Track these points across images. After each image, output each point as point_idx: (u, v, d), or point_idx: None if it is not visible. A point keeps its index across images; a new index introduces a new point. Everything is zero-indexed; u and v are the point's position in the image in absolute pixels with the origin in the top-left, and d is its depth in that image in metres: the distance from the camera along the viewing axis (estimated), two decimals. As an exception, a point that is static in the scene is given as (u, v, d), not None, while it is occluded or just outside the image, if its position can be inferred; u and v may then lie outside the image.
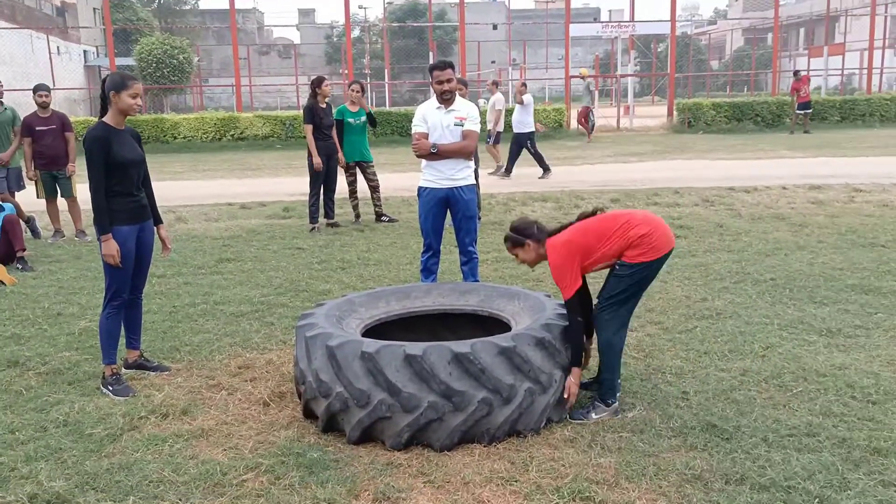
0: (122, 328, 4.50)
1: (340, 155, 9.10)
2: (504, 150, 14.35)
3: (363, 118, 9.28)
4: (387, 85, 38.87)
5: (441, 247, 5.70)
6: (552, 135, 22.64)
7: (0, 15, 31.76)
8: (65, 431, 3.72)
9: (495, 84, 14.79)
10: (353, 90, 9.29)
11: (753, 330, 5.01)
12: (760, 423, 3.64)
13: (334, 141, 9.03)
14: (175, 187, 13.39)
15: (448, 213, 5.59)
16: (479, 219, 5.76)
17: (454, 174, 5.44)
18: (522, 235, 3.97)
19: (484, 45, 46.55)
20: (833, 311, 5.37)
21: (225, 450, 3.53)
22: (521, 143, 13.86)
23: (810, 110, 22.50)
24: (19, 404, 4.08)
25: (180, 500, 3.09)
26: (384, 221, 9.50)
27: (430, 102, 5.55)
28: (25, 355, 4.78)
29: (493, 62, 52.61)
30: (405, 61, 49.91)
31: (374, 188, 9.54)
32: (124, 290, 4.37)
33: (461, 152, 5.42)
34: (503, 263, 7.05)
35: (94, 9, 45.15)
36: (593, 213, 3.91)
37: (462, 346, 3.46)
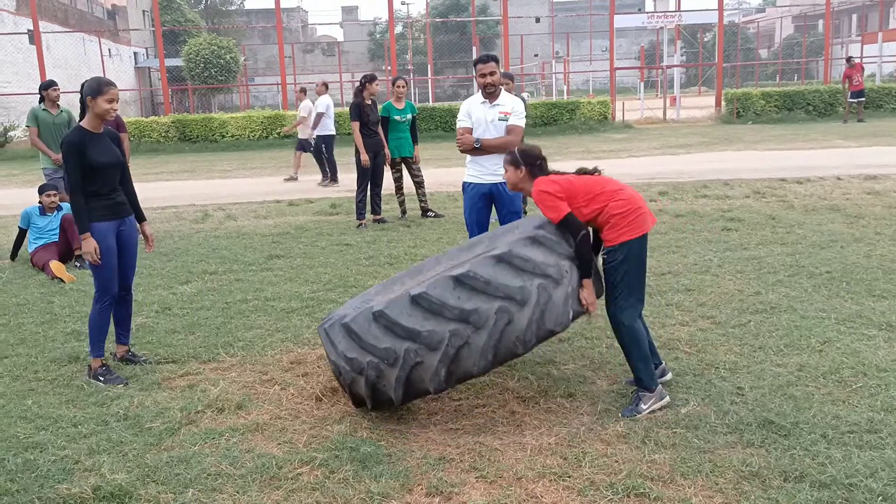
0: (115, 322, 4.74)
1: (387, 151, 9.14)
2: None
3: (409, 115, 9.31)
4: (430, 80, 38.90)
5: None
6: (597, 127, 22.42)
7: (53, 19, 32.61)
8: (125, 425, 3.81)
9: (303, 91, 14.22)
10: (398, 87, 9.32)
11: (810, 324, 4.90)
12: (819, 419, 3.57)
13: (381, 137, 9.08)
14: (224, 185, 13.61)
15: (493, 208, 5.57)
16: (525, 213, 5.72)
17: (497, 169, 5.37)
18: (523, 160, 3.98)
19: (527, 38, 46.30)
20: (893, 305, 5.22)
21: (280, 444, 3.59)
22: (316, 147, 13.39)
23: (863, 98, 21.87)
24: (81, 398, 4.20)
25: (238, 492, 3.15)
26: (430, 217, 9.53)
27: (475, 97, 5.53)
28: (85, 351, 4.91)
29: (535, 55, 52.33)
30: (448, 56, 49.92)
31: (419, 184, 9.57)
32: (112, 285, 4.56)
33: (505, 147, 5.34)
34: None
35: (144, 11, 46.10)
36: (591, 172, 3.93)
37: (460, 269, 3.54)
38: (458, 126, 5.49)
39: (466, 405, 3.94)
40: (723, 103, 24.39)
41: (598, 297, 3.83)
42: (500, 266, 3.53)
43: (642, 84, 29.08)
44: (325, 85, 13.99)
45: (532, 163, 3.97)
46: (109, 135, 4.58)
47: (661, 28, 28.99)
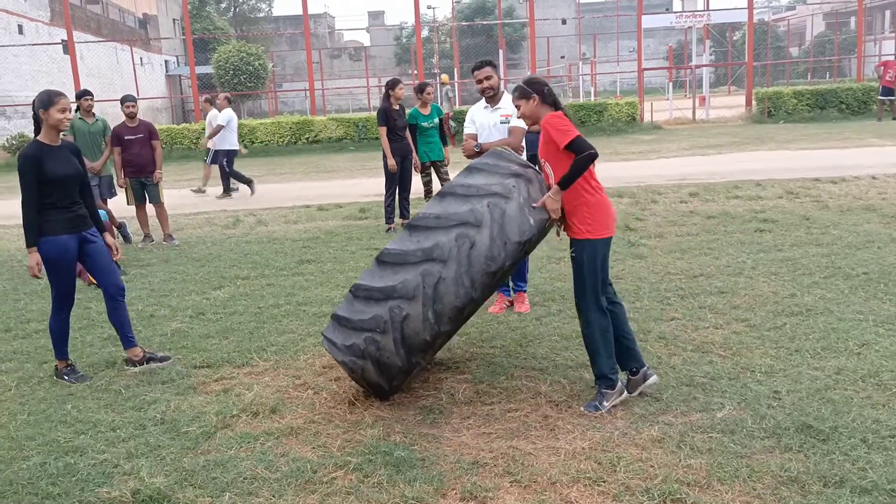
0: (116, 329, 4.90)
1: (415, 157, 9.16)
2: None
3: (435, 120, 9.33)
4: (456, 84, 38.95)
5: None
6: (625, 129, 22.28)
7: (87, 29, 33.17)
8: (162, 429, 3.86)
9: (209, 102, 13.67)
10: (427, 93, 9.34)
11: (847, 327, 4.83)
12: (859, 423, 3.51)
13: (408, 142, 9.11)
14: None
15: None
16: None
17: None
18: (532, 89, 3.97)
19: (553, 40, 46.15)
20: (933, 307, 5.13)
21: (314, 448, 3.61)
22: (216, 161, 13.02)
23: (894, 97, 21.48)
24: (119, 403, 4.26)
25: (274, 496, 3.18)
26: None
27: (480, 103, 5.64)
28: (122, 356, 4.98)
29: (562, 57, 52.13)
30: (474, 59, 49.80)
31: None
32: (70, 293, 4.69)
33: (506, 143, 5.40)
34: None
35: (174, 20, 46.74)
36: None
37: (411, 220, 3.83)
38: (464, 132, 5.62)
39: (499, 409, 3.93)
40: (753, 103, 24.09)
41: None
42: (446, 200, 3.78)
43: (671, 84, 28.83)
44: (228, 99, 13.41)
45: (540, 89, 3.96)
46: (69, 147, 4.68)
47: (690, 27, 28.71)
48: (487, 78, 5.40)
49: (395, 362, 3.79)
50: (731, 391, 3.97)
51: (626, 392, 3.93)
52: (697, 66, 28.49)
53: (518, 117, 4.18)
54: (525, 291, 5.74)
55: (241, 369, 4.71)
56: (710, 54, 33.85)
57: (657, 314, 5.33)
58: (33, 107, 4.52)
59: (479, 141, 5.48)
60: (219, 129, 12.74)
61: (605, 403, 3.83)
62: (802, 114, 22.89)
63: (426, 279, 3.65)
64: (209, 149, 13.14)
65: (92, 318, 5.97)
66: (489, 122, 5.49)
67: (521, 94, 3.99)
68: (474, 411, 3.94)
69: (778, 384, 4.02)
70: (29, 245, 4.47)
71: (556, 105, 3.95)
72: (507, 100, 5.49)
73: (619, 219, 8.80)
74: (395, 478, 3.27)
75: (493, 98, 5.48)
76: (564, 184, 3.77)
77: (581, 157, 3.71)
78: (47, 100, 4.46)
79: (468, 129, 5.59)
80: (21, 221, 4.51)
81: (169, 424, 3.91)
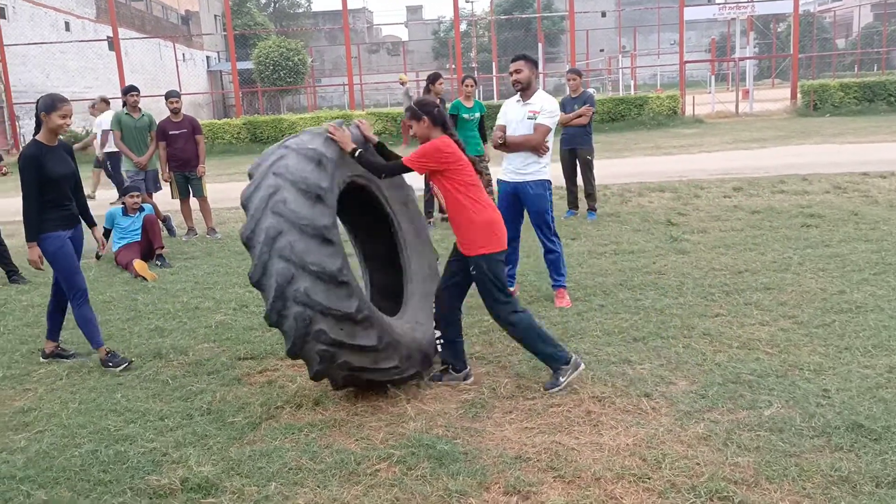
0: (77, 319, 4.92)
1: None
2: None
3: (477, 114, 9.31)
4: (494, 78, 38.82)
5: (518, 240, 5.86)
6: (666, 122, 22.01)
7: (131, 26, 33.77)
8: (209, 419, 3.93)
9: (106, 102, 12.40)
10: (467, 85, 9.32)
11: (899, 324, 4.71)
12: (912, 423, 3.43)
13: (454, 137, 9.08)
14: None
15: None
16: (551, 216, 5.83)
17: (521, 168, 5.56)
18: (422, 111, 4.11)
19: (592, 33, 45.72)
20: None
21: (357, 440, 3.64)
22: (99, 164, 12.31)
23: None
24: (166, 393, 4.34)
25: (319, 487, 3.21)
26: None
27: (514, 97, 5.66)
28: (168, 347, 5.07)
29: (601, 50, 51.67)
30: (512, 53, 49.62)
31: (488, 182, 9.55)
32: (81, 283, 4.83)
33: (524, 145, 5.51)
34: (622, 256, 6.92)
35: (216, 16, 47.32)
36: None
37: None
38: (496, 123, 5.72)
39: (541, 404, 3.92)
40: (798, 96, 23.62)
41: None
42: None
43: (713, 77, 28.38)
44: (106, 101, 12.45)
45: (430, 111, 4.09)
46: (64, 148, 4.81)
47: (733, 19, 28.22)
48: (517, 71, 5.38)
49: (323, 330, 3.79)
50: (778, 389, 3.90)
51: (581, 364, 4.12)
52: (741, 59, 28.00)
53: (412, 135, 4.33)
54: (564, 287, 5.71)
55: (284, 361, 4.75)
56: (754, 46, 33.23)
57: (701, 310, 5.26)
58: (37, 107, 4.67)
59: (508, 134, 5.53)
60: (106, 134, 11.13)
61: (561, 380, 4.04)
62: (849, 107, 22.38)
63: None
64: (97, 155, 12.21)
65: (139, 310, 6.08)
66: (517, 116, 5.50)
67: (412, 115, 4.13)
68: (516, 406, 3.93)
69: (827, 382, 3.94)
70: (30, 239, 4.66)
71: (444, 126, 4.10)
72: (538, 96, 5.50)
73: (660, 213, 8.74)
74: (438, 471, 3.28)
75: (524, 92, 5.46)
76: (360, 158, 4.04)
77: (383, 167, 4.15)
78: (51, 104, 4.60)
79: (499, 121, 5.64)
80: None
81: (215, 415, 3.97)
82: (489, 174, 9.53)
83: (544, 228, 5.65)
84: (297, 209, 3.68)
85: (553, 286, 5.75)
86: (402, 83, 23.23)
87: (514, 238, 5.64)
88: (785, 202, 9.12)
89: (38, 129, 4.67)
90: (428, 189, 9.13)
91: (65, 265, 4.73)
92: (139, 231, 7.85)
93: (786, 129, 19.30)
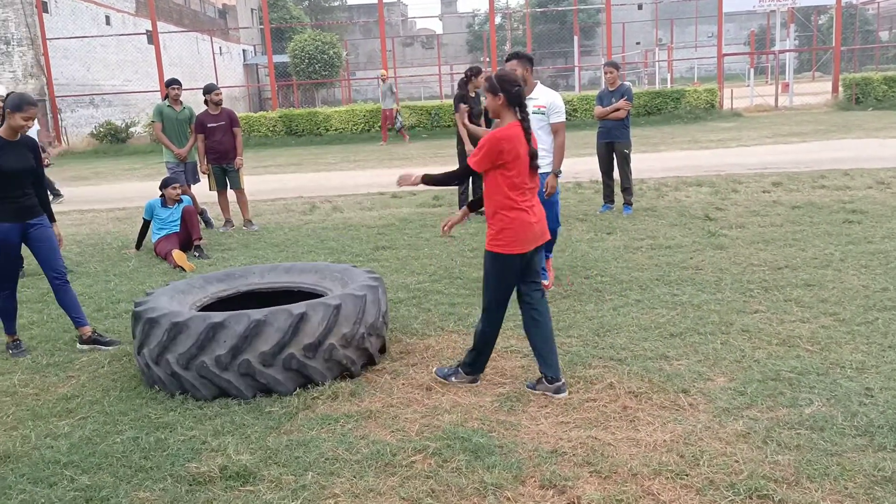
0: (65, 311, 5.25)
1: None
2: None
3: None
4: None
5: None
6: (704, 116, 21.72)
7: (169, 19, 34.20)
8: (246, 409, 3.97)
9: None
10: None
11: (945, 323, 4.60)
12: (959, 424, 3.35)
13: (484, 130, 9.07)
14: (330, 178, 13.96)
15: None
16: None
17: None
18: (500, 87, 3.92)
19: (629, 25, 45.26)
20: None
21: (392, 431, 3.65)
22: None
23: None
24: (205, 382, 4.39)
25: (355, 477, 3.23)
26: None
27: None
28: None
29: (637, 43, 51.11)
30: (547, 46, 49.42)
31: None
32: (11, 275, 5.03)
33: (561, 151, 5.75)
34: (659, 251, 6.85)
35: (252, 9, 47.72)
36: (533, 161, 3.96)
37: None
38: None
39: (577, 399, 3.90)
40: (840, 89, 23.17)
41: None
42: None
43: (752, 70, 27.94)
44: None
45: (508, 88, 3.90)
46: (27, 143, 4.93)
47: (773, 11, 27.72)
48: (512, 70, 5.50)
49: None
50: (819, 387, 3.84)
51: (474, 383, 4.17)
52: (781, 52, 27.51)
53: (486, 105, 4.16)
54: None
55: (320, 352, 4.78)
56: (794, 39, 32.61)
57: (740, 306, 5.19)
58: (4, 102, 4.85)
59: None
60: None
61: (452, 378, 4.18)
62: (893, 100, 21.89)
63: None
64: None
65: (177, 300, 6.17)
66: None
67: (490, 87, 3.97)
68: (551, 400, 3.92)
69: (870, 381, 3.86)
70: None
71: (519, 108, 3.91)
72: (539, 90, 5.67)
73: (698, 208, 8.63)
74: (473, 464, 3.28)
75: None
76: (426, 180, 4.07)
77: (449, 175, 4.10)
78: (18, 105, 4.74)
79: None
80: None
81: (253, 404, 4.02)
82: None
83: (556, 220, 5.83)
84: (139, 336, 4.34)
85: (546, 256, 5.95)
86: (384, 79, 22.82)
87: None
88: (826, 197, 8.95)
89: (1, 123, 4.86)
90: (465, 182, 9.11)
91: (2, 260, 4.94)
92: (178, 222, 7.96)
93: (826, 123, 18.93)
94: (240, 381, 4.04)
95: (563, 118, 5.68)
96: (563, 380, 4.01)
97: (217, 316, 4.05)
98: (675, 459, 3.23)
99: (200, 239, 7.93)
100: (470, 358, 4.17)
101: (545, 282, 5.95)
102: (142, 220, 8.31)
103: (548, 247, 5.93)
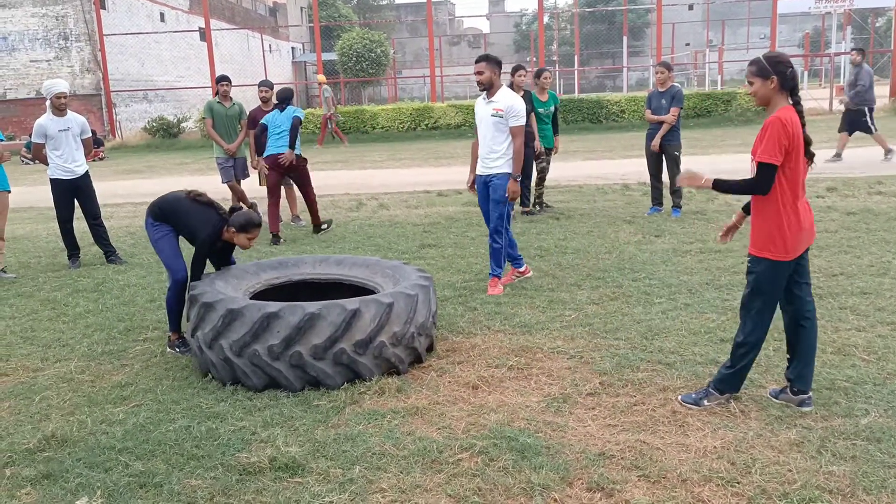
0: None
1: (537, 142, 9.06)
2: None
3: (552, 107, 9.25)
4: (576, 72, 38.37)
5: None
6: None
7: (222, 17, 34.76)
8: (294, 401, 4.02)
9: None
10: (544, 78, 9.26)
11: None
12: None
13: (529, 129, 8.96)
14: (376, 175, 14.05)
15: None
16: (512, 207, 6.14)
17: (490, 163, 5.90)
18: (774, 69, 3.47)
19: (679, 26, 44.65)
20: None
21: (439, 428, 3.66)
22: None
23: None
24: (254, 374, 4.46)
25: (401, 473, 3.25)
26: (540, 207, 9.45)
27: (482, 95, 5.96)
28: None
29: (687, 44, 50.37)
30: (595, 47, 49.01)
31: (542, 178, 9.47)
32: None
33: (519, 156, 5.84)
34: (708, 255, 6.75)
35: (301, 8, 48.24)
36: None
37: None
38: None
39: (625, 402, 3.87)
40: (898, 93, 22.51)
41: None
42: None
43: (806, 73, 27.34)
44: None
45: (783, 70, 3.46)
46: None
47: (829, 13, 27.10)
48: (479, 73, 5.77)
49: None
50: (876, 397, 3.74)
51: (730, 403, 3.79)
52: (836, 55, 26.87)
53: (749, 94, 3.70)
54: (499, 277, 6.04)
55: (367, 348, 4.82)
56: (851, 41, 31.82)
57: (793, 313, 5.08)
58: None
59: (479, 131, 5.93)
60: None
61: (704, 403, 3.75)
62: (954, 105, 21.21)
63: None
64: None
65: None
66: (484, 113, 5.86)
67: (759, 71, 3.51)
68: (599, 402, 3.89)
69: (930, 393, 3.76)
70: None
71: (792, 92, 3.50)
72: (501, 94, 5.80)
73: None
74: (520, 463, 3.27)
75: (488, 91, 5.80)
76: (717, 186, 3.60)
77: (748, 183, 3.53)
78: (244, 226, 4.74)
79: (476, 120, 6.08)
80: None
81: (301, 397, 4.07)
82: (548, 169, 9.42)
83: (496, 220, 5.94)
84: (193, 320, 4.43)
85: (490, 274, 6.06)
86: (320, 84, 22.02)
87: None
88: (883, 204, 8.72)
89: None
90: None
91: None
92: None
93: (884, 127, 18.38)
94: (290, 372, 4.09)
95: (522, 122, 5.79)
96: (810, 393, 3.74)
97: (272, 306, 4.10)
98: (725, 466, 3.18)
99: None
100: (727, 374, 3.76)
101: (523, 269, 6.27)
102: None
103: (501, 258, 6.01)
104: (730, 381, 3.76)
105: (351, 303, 4.14)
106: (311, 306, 4.08)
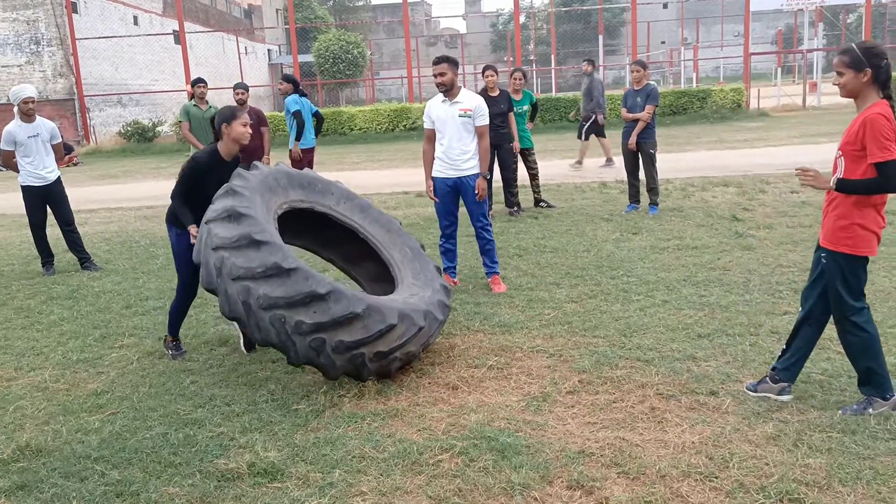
0: None
1: (515, 143, 9.06)
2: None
3: (525, 107, 9.28)
4: (553, 71, 38.51)
5: (457, 231, 6.19)
6: (730, 116, 21.52)
7: (196, 20, 34.52)
8: (273, 406, 4.00)
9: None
10: (515, 78, 9.29)
11: (980, 326, 4.52)
12: None
13: (507, 130, 8.94)
14: (355, 177, 14.00)
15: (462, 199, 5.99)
16: (491, 208, 6.22)
17: (461, 164, 5.88)
18: (869, 61, 3.32)
19: (654, 24, 44.96)
20: None
21: (419, 430, 3.66)
22: None
23: None
24: (232, 379, 4.43)
25: (382, 475, 3.24)
26: (542, 207, 9.49)
27: (437, 97, 5.93)
28: (234, 335, 5.18)
29: (662, 42, 50.78)
30: (571, 46, 49.23)
31: (534, 175, 9.52)
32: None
33: (487, 154, 5.92)
34: (685, 251, 6.80)
35: (277, 10, 48.02)
36: None
37: None
38: (425, 127, 5.96)
39: (604, 399, 3.88)
40: (870, 88, 22.82)
41: None
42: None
43: (779, 70, 27.65)
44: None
45: (878, 63, 3.31)
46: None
47: (801, 10, 27.41)
48: (441, 74, 5.71)
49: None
50: (850, 389, 3.78)
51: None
52: (809, 51, 27.19)
53: (837, 84, 3.51)
54: (497, 273, 6.08)
55: (346, 351, 4.80)
56: (823, 38, 32.22)
57: (769, 307, 5.13)
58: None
59: (440, 133, 5.83)
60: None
61: (869, 411, 3.51)
62: (924, 100, 21.55)
63: None
64: None
65: (206, 297, 6.21)
66: (448, 115, 5.79)
67: (852, 61, 3.36)
68: (578, 400, 3.90)
69: (903, 385, 3.80)
70: None
71: (884, 87, 3.34)
72: (464, 94, 5.82)
73: (724, 208, 8.56)
74: (500, 463, 3.27)
75: (448, 92, 5.76)
76: (842, 188, 3.45)
77: (880, 182, 3.34)
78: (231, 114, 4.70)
79: (426, 125, 5.93)
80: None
81: (280, 402, 4.04)
82: (536, 167, 9.47)
83: (483, 219, 5.97)
84: (224, 233, 4.00)
85: (487, 273, 6.09)
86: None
87: (452, 234, 6.11)
88: (856, 198, 8.81)
89: None
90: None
91: None
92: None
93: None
94: (301, 349, 3.92)
95: (487, 121, 5.86)
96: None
97: (322, 286, 3.86)
98: (704, 461, 3.20)
99: None
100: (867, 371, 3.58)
101: (455, 280, 6.24)
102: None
103: (496, 254, 6.09)
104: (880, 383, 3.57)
105: (392, 314, 4.03)
106: (359, 303, 3.92)
